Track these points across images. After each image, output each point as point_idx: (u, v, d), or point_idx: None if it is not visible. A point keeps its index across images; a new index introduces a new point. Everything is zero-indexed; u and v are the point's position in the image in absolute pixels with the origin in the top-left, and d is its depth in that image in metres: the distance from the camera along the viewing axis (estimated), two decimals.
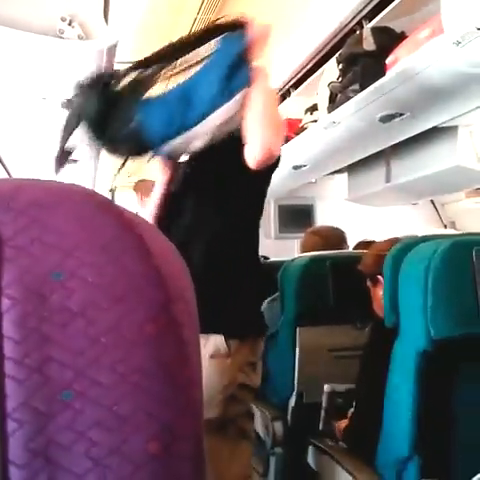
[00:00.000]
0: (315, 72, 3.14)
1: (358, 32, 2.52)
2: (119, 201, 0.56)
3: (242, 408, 1.85)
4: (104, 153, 2.09)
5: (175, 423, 0.47)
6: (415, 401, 1.42)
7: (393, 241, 1.78)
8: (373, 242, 2.89)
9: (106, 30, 1.77)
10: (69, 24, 1.67)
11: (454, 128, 2.69)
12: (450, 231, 4.14)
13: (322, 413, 2.06)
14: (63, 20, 1.66)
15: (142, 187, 4.76)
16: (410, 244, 1.51)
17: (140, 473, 0.45)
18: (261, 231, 2.05)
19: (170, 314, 0.47)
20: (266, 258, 3.72)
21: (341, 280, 2.29)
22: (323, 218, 4.64)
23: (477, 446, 1.36)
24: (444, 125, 2.63)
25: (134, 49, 1.93)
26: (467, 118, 2.53)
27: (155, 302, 0.47)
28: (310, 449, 2.01)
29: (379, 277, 1.83)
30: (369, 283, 1.91)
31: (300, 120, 3.39)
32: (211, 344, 1.78)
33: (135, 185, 4.78)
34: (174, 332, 0.47)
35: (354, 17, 2.62)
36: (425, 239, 1.49)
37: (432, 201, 4.75)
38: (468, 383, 1.42)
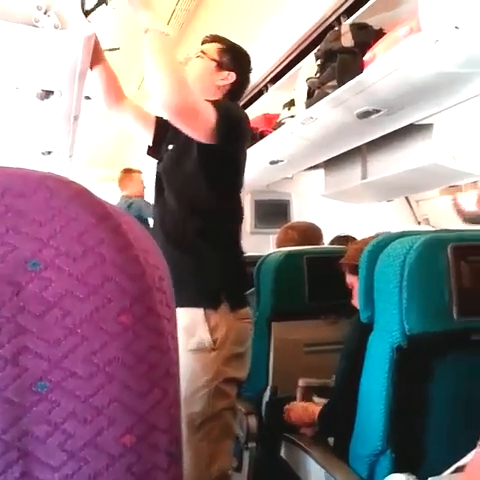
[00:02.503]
0: (293, 67, 3.14)
1: (337, 28, 2.53)
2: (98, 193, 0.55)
3: (228, 402, 1.84)
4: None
5: (151, 415, 0.47)
6: (389, 396, 1.43)
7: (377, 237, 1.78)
8: (349, 237, 2.91)
9: (83, 20, 1.74)
10: (45, 13, 1.64)
11: (429, 126, 2.71)
12: (426, 227, 4.18)
13: None
14: (39, 9, 1.63)
15: (126, 177, 4.77)
16: (386, 240, 1.52)
17: (115, 465, 0.45)
18: None
19: (147, 304, 0.46)
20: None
21: (317, 275, 2.30)
22: (299, 214, 4.66)
23: (449, 441, 1.38)
24: (420, 122, 2.65)
25: (113, 37, 1.91)
26: (443, 116, 2.56)
27: (132, 292, 0.46)
28: (284, 443, 2.02)
29: None
30: (351, 277, 1.90)
31: (278, 115, 3.39)
32: (195, 338, 1.77)
33: (120, 175, 4.78)
34: (151, 323, 0.47)
35: (333, 13, 2.63)
36: (401, 235, 1.50)
37: (407, 198, 4.79)
38: (441, 379, 1.43)
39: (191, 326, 1.76)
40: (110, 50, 2.06)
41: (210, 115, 1.79)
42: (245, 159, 2.00)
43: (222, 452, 1.82)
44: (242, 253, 2.01)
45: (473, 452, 1.23)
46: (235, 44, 2.05)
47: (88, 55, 1.83)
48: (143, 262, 0.47)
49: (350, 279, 1.91)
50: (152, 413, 0.46)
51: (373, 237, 1.81)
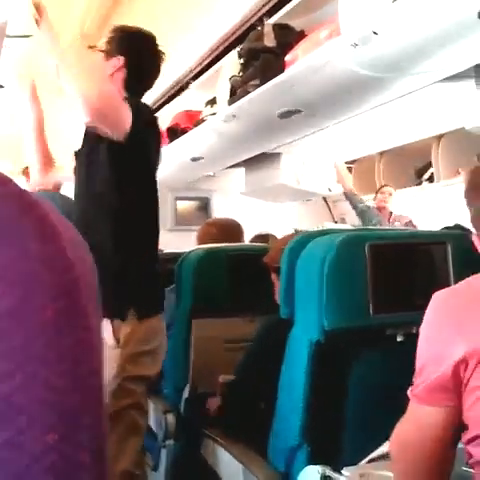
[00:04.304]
0: (215, 65, 3.15)
1: (259, 28, 2.55)
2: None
3: (133, 399, 1.82)
4: None
5: (75, 413, 0.45)
6: (306, 390, 1.46)
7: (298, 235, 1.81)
8: (269, 235, 2.94)
9: None
10: None
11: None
12: (347, 226, 4.29)
13: None
14: None
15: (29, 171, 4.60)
16: (306, 238, 1.54)
17: (37, 465, 0.43)
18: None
19: (73, 299, 0.45)
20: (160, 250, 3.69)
21: (237, 272, 2.31)
22: (220, 211, 4.68)
23: (364, 434, 1.42)
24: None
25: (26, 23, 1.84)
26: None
27: (57, 286, 0.45)
28: (203, 440, 2.02)
29: None
30: (274, 276, 1.92)
31: (200, 112, 3.39)
32: None
33: (23, 170, 4.61)
34: (77, 319, 0.45)
35: (255, 13, 2.65)
36: (322, 233, 1.53)
37: (324, 199, 4.91)
38: (358, 373, 1.47)
39: None
40: (22, 37, 1.99)
41: (128, 117, 1.76)
42: (155, 161, 1.96)
43: (128, 451, 1.79)
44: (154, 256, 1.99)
45: (386, 444, 1.27)
46: (125, 27, 1.95)
47: (0, 44, 1.77)
48: (70, 254, 0.45)
49: (273, 277, 1.94)
50: (77, 411, 0.45)
51: (292, 235, 1.85)
